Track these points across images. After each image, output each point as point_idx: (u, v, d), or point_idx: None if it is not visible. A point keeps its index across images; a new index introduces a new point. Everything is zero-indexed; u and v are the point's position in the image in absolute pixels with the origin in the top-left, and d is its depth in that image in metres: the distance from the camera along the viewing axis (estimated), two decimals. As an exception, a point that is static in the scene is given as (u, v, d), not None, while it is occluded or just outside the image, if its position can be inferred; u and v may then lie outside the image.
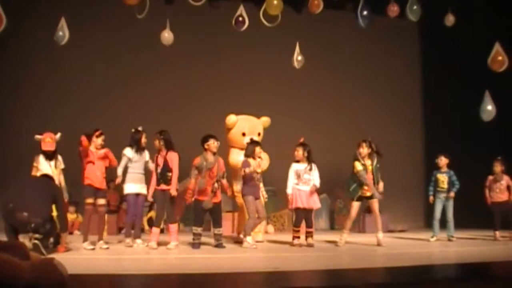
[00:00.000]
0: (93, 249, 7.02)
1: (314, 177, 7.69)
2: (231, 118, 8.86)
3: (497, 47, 8.94)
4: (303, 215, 7.69)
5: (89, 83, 11.82)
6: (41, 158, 7.43)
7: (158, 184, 7.30)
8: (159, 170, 7.24)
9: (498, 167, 8.96)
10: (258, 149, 7.80)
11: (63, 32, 9.10)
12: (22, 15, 10.56)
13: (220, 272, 4.69)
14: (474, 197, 9.53)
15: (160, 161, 7.27)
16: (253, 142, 8.00)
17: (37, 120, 10.74)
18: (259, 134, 8.92)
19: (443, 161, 8.92)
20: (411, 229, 11.62)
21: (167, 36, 9.84)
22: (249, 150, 7.79)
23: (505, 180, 8.94)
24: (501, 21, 10.91)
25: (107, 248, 7.17)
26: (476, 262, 5.52)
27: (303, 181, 7.68)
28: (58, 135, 7.49)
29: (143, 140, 7.74)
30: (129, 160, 7.64)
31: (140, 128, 7.80)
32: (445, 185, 8.79)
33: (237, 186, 8.35)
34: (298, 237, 7.67)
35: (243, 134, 8.78)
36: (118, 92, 11.91)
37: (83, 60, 11.66)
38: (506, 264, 5.40)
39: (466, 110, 10.36)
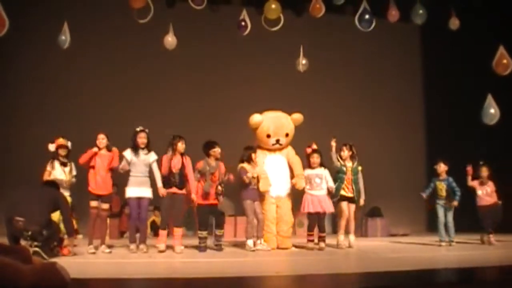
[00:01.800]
0: (94, 253, 7.05)
1: (327, 179, 7.94)
2: (255, 118, 8.19)
3: (501, 50, 8.95)
4: (316, 220, 7.89)
5: (92, 87, 11.82)
6: (56, 164, 7.55)
7: (169, 186, 7.32)
8: (175, 174, 7.31)
9: (484, 172, 8.97)
10: (254, 155, 7.94)
11: (66, 36, 9.16)
12: (25, 19, 10.59)
13: (222, 276, 4.69)
14: (475, 200, 9.57)
15: (178, 164, 7.35)
16: (249, 148, 8.03)
17: (39, 124, 10.79)
18: (286, 134, 8.26)
19: (442, 167, 8.82)
20: (413, 233, 11.59)
21: (170, 40, 9.87)
22: (245, 156, 7.91)
23: (490, 184, 8.98)
24: (505, 24, 10.87)
25: (110, 252, 7.21)
26: (477, 266, 5.51)
27: (314, 186, 7.88)
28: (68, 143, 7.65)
29: (139, 140, 7.38)
30: (128, 162, 7.36)
31: (138, 128, 7.50)
32: (444, 193, 8.70)
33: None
34: (312, 241, 7.89)
35: (268, 136, 8.19)
36: (121, 96, 11.91)
37: (86, 65, 11.67)
38: (506, 269, 5.39)
39: (468, 114, 10.34)
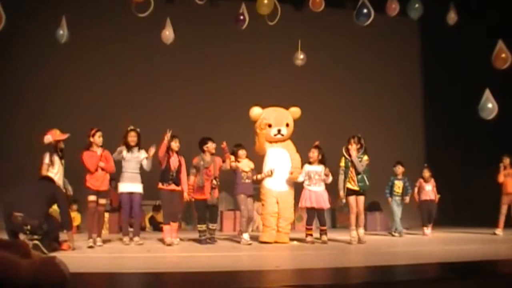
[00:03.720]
0: (92, 247, 7.14)
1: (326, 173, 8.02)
2: (255, 110, 8.25)
3: (500, 44, 8.97)
4: (315, 214, 8.03)
5: (89, 82, 11.79)
6: (56, 158, 7.45)
7: (167, 184, 7.56)
8: (173, 172, 7.57)
9: (426, 173, 10.22)
10: (241, 152, 8.04)
11: (63, 31, 9.14)
12: (22, 14, 10.56)
13: (221, 270, 4.69)
14: (475, 196, 9.70)
15: (175, 163, 7.62)
16: (237, 146, 8.10)
17: (35, 119, 10.76)
18: (287, 124, 8.27)
19: (400, 169, 10.03)
20: (412, 227, 11.62)
21: (167, 34, 9.82)
22: (234, 155, 8.00)
23: (432, 183, 10.14)
24: (504, 18, 10.84)
25: (101, 245, 7.31)
26: (474, 260, 5.51)
27: (313, 182, 7.97)
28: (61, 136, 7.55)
29: (130, 139, 7.58)
30: (123, 158, 7.57)
31: (129, 128, 7.67)
32: (400, 190, 9.93)
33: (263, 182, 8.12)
34: (311, 235, 7.99)
35: (269, 126, 8.16)
36: (119, 90, 11.90)
37: (84, 60, 11.64)
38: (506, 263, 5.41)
39: (467, 109, 10.35)
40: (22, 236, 6.16)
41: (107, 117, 11.12)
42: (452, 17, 10.10)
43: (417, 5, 9.75)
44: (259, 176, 8.01)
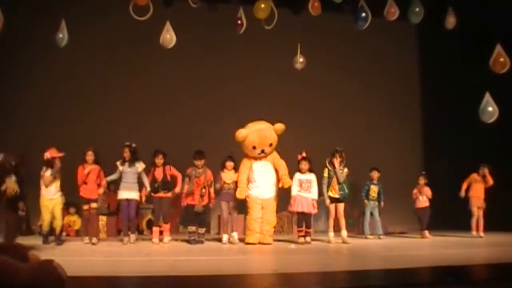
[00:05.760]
0: (87, 243, 8.31)
1: (313, 190, 8.77)
2: (241, 133, 8.76)
3: (498, 48, 8.98)
4: (304, 218, 8.79)
5: (87, 88, 11.70)
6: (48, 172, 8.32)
7: (157, 192, 8.67)
8: (159, 182, 8.65)
9: (422, 180, 10.42)
10: (228, 163, 8.87)
11: (63, 34, 9.13)
12: (21, 17, 10.56)
13: (219, 274, 4.70)
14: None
15: (160, 175, 8.69)
16: (228, 157, 8.91)
17: (33, 126, 10.76)
18: (270, 144, 8.84)
19: (376, 174, 10.44)
20: (410, 231, 11.64)
21: (168, 37, 9.77)
22: (222, 165, 8.92)
23: (426, 191, 10.34)
24: (503, 22, 10.82)
25: (96, 243, 8.34)
26: (467, 264, 5.53)
27: (304, 188, 8.77)
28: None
29: (124, 154, 8.59)
30: (121, 172, 8.64)
31: (124, 144, 8.64)
32: (375, 195, 10.38)
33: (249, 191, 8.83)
34: (302, 236, 8.73)
35: (254, 147, 8.80)
36: (117, 96, 11.83)
37: (82, 65, 11.57)
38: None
39: (466, 113, 10.36)
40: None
41: (105, 122, 11.15)
42: (450, 22, 10.07)
43: (417, 9, 9.74)
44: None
